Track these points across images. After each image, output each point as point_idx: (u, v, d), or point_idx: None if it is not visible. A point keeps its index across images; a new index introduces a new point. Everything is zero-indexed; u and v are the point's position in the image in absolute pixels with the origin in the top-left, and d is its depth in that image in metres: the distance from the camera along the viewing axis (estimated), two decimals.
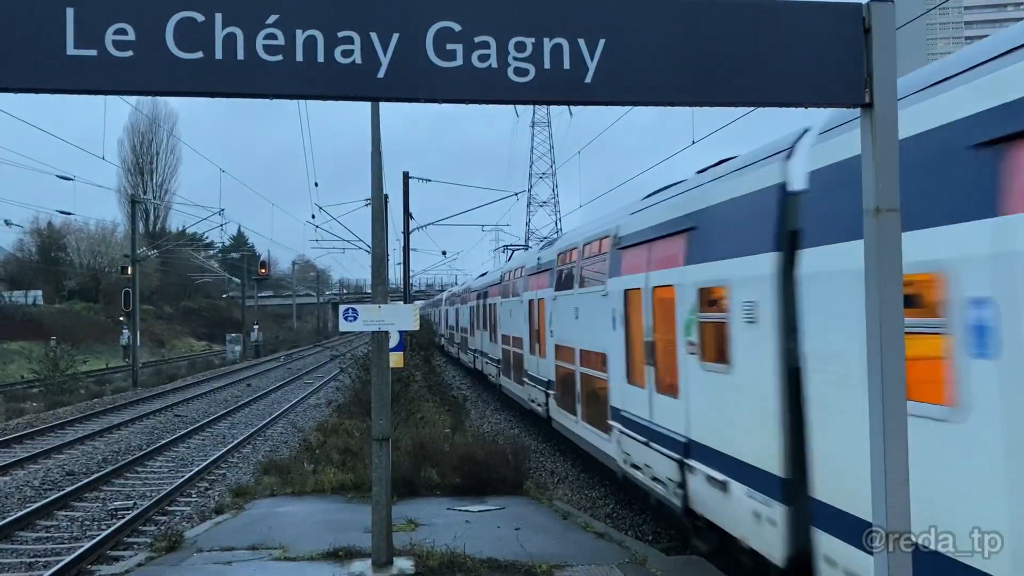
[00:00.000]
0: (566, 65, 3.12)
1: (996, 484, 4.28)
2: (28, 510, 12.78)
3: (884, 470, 3.19)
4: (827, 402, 6.07)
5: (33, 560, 10.74)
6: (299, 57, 3.02)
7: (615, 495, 13.84)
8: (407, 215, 26.91)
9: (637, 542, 10.23)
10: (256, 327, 64.23)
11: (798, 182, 6.84)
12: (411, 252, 28.38)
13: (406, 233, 27.44)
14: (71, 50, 2.92)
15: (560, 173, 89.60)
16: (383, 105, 9.59)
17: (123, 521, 12.16)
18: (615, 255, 11.99)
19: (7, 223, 43.32)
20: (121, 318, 51.49)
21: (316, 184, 66.88)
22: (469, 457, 12.86)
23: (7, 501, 14.03)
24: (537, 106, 79.26)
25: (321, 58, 3.03)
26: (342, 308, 8.39)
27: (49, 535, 12.02)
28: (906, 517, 3.18)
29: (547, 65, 3.11)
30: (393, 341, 9.22)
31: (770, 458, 6.90)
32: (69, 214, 44.99)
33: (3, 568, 10.49)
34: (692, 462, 8.66)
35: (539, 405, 18.66)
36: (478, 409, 25.98)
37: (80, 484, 14.70)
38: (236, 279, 72.44)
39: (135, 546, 11.25)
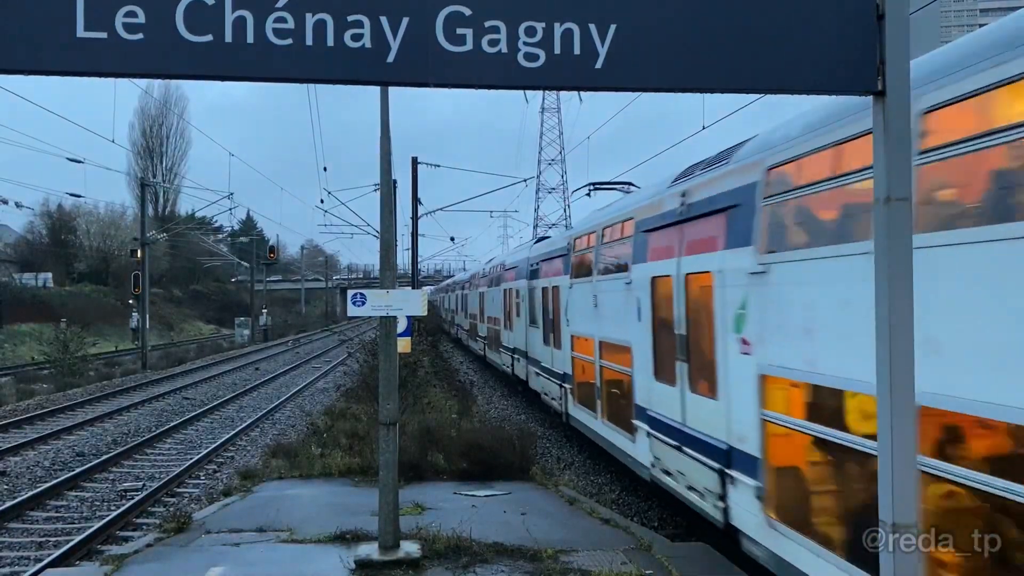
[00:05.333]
0: (576, 50, 3.10)
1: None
2: (39, 490, 12.91)
3: (891, 463, 3.18)
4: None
5: (44, 539, 10.85)
6: (309, 41, 3.01)
7: (621, 481, 13.88)
8: (415, 201, 26.90)
9: (643, 528, 10.25)
10: (264, 311, 64.44)
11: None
12: (420, 238, 28.43)
13: (414, 219, 27.46)
14: (81, 32, 2.92)
15: (569, 159, 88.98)
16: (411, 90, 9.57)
17: (132, 502, 12.27)
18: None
19: (18, 205, 43.45)
20: (130, 301, 51.70)
21: (325, 169, 66.79)
22: (475, 442, 12.90)
23: (18, 481, 14.16)
24: (547, 92, 78.91)
25: (331, 42, 3.02)
26: (350, 293, 8.40)
27: (59, 515, 12.14)
28: (912, 510, 3.17)
29: (557, 50, 3.09)
30: (401, 326, 9.23)
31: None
32: (79, 197, 45.17)
33: (14, 547, 10.60)
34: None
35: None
36: (485, 395, 26.03)
37: (90, 465, 14.82)
38: (245, 263, 72.60)
39: (144, 527, 11.36)
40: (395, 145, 9.21)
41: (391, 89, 8.80)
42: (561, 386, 16.85)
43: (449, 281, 63.11)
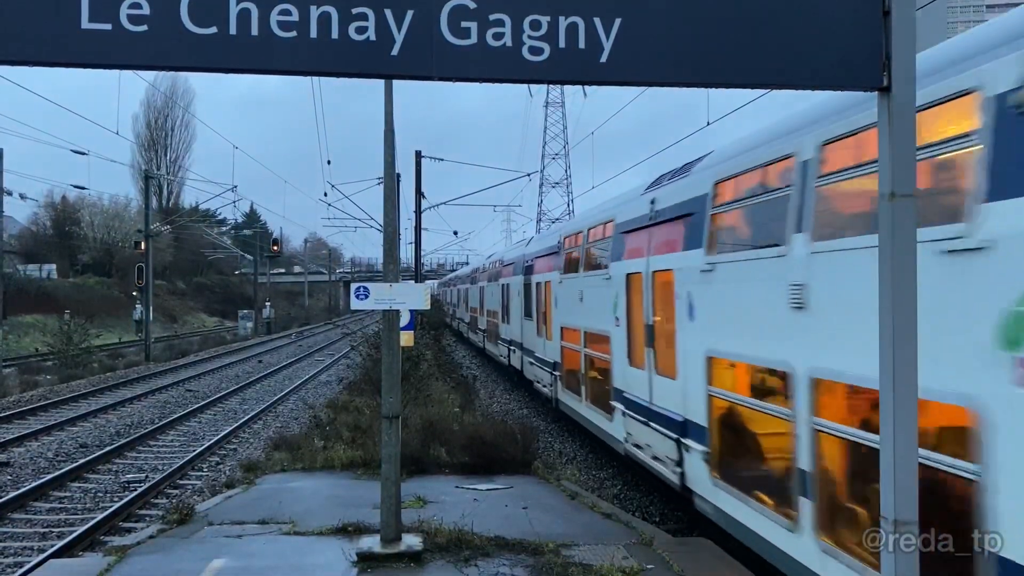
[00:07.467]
0: (581, 44, 3.09)
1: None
2: (42, 481, 12.95)
3: (893, 460, 3.18)
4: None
5: (47, 530, 10.89)
6: (313, 33, 3.00)
7: (622, 476, 13.89)
8: (419, 195, 26.88)
9: (644, 523, 10.27)
10: (268, 304, 64.51)
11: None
12: (423, 232, 28.38)
13: (418, 212, 27.41)
14: (85, 24, 2.91)
15: (572, 154, 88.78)
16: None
17: (135, 494, 12.32)
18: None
19: (22, 197, 43.48)
20: (134, 293, 51.82)
21: (329, 162, 66.98)
22: (478, 436, 12.92)
23: (21, 472, 14.21)
24: (551, 86, 78.68)
25: (335, 34, 3.01)
26: (354, 286, 8.42)
27: (63, 506, 12.19)
28: (913, 507, 3.16)
29: (562, 44, 3.08)
30: (404, 320, 9.24)
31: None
32: (83, 188, 45.22)
33: (18, 537, 10.64)
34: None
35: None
36: (487, 389, 26.06)
37: (93, 456, 14.87)
38: (248, 256, 72.70)
39: (147, 518, 11.40)
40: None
41: (397, 82, 8.80)
42: None
43: (476, 265, 46.02)
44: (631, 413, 11.77)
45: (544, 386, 19.66)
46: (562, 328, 17.00)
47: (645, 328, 11.06)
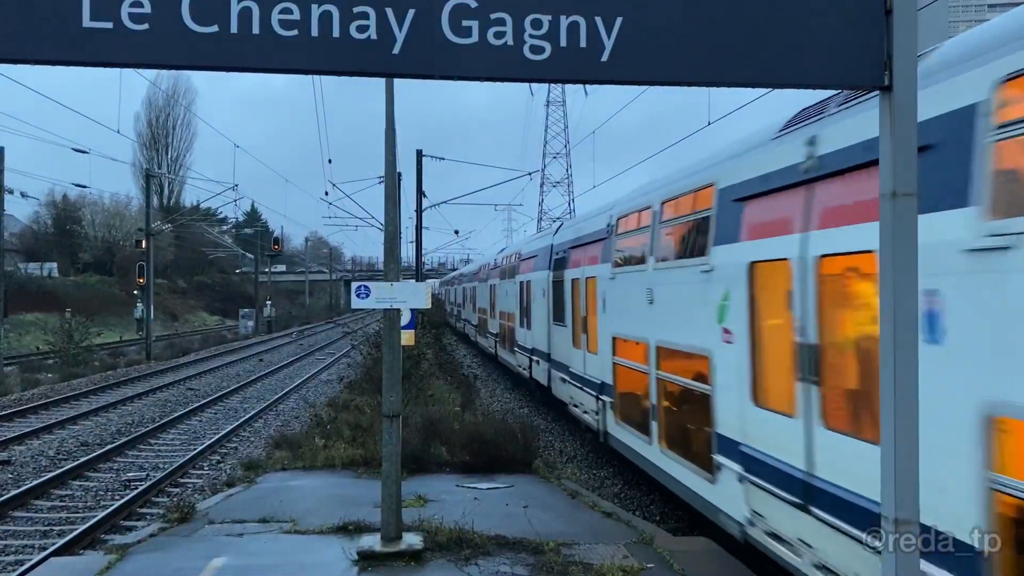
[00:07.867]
0: (582, 43, 3.09)
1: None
2: (43, 479, 12.97)
3: (893, 459, 3.17)
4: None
5: (48, 528, 10.91)
6: (314, 32, 3.00)
7: (623, 475, 13.89)
8: (420, 194, 26.88)
9: (644, 522, 10.27)
10: (269, 303, 64.56)
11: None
12: (424, 231, 28.40)
13: (419, 211, 27.42)
14: (87, 22, 2.91)
15: (573, 153, 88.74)
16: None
17: (136, 492, 12.33)
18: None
19: (23, 195, 43.49)
20: (135, 291, 51.85)
21: (330, 161, 67.16)
22: (478, 435, 12.93)
23: (22, 470, 14.23)
24: (552, 85, 78.62)
25: (336, 33, 3.01)
26: (354, 285, 8.42)
27: (64, 504, 12.20)
28: (913, 507, 3.16)
29: (563, 43, 3.08)
30: (405, 319, 9.25)
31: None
32: (84, 187, 45.29)
33: (19, 536, 10.65)
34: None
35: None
36: (488, 388, 26.07)
37: (94, 455, 14.89)
38: (249, 254, 72.72)
39: (148, 516, 11.41)
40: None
41: (398, 81, 8.80)
42: None
43: (486, 260, 38.48)
44: (763, 483, 7.47)
45: (586, 412, 15.17)
46: (615, 339, 12.89)
47: (797, 349, 6.85)
